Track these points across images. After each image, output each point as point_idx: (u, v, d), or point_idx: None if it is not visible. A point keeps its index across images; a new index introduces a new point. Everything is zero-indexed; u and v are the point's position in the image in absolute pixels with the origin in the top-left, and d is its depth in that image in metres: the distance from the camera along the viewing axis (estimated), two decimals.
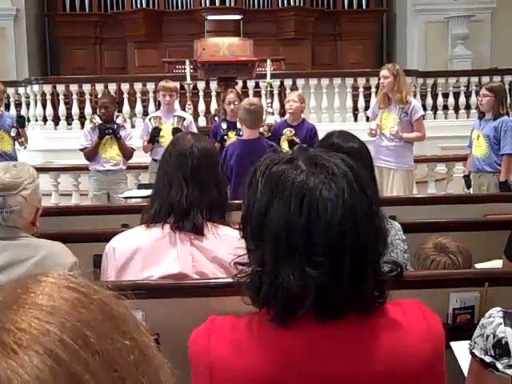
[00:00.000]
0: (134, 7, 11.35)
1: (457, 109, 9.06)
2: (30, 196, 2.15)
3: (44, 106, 8.62)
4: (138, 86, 8.49)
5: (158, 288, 1.89)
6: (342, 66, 11.37)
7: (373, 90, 8.34)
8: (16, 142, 5.81)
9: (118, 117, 5.74)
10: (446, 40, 11.08)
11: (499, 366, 1.36)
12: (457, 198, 4.20)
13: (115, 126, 5.57)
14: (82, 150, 5.67)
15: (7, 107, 7.91)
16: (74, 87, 8.53)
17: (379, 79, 5.36)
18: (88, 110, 8.24)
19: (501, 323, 1.38)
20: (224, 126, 5.41)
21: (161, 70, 9.71)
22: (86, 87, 8.51)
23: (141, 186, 5.45)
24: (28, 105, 8.83)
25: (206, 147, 2.08)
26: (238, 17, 10.03)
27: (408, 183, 5.23)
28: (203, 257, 1.93)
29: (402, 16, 11.78)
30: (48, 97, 8.58)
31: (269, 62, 6.92)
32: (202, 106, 8.28)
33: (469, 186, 5.52)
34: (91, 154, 5.61)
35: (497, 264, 2.40)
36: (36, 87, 8.64)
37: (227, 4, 11.27)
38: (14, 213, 2.11)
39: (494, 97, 5.07)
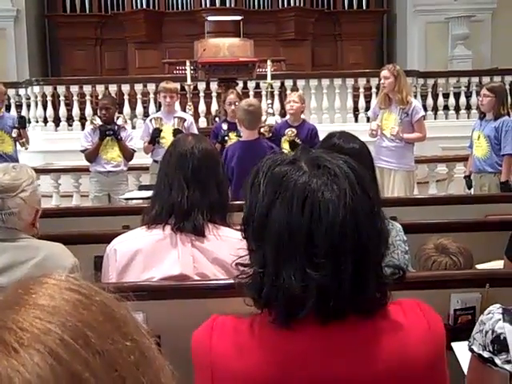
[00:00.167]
0: (135, 8, 11.34)
1: (457, 109, 9.06)
2: (29, 198, 2.14)
3: (44, 108, 8.63)
4: (138, 87, 8.50)
5: (159, 289, 1.89)
6: (342, 67, 11.37)
7: (373, 90, 8.35)
8: (17, 143, 5.82)
9: (118, 118, 5.75)
10: (446, 40, 11.07)
11: (497, 361, 1.37)
12: (458, 198, 4.20)
13: (116, 127, 5.56)
14: (82, 151, 5.66)
15: (8, 108, 7.90)
16: (74, 88, 8.53)
17: (380, 80, 5.36)
18: (88, 111, 8.24)
19: (500, 319, 1.38)
20: (225, 126, 5.41)
21: (161, 71, 9.70)
22: (87, 88, 8.51)
23: (142, 187, 5.45)
24: (28, 106, 8.83)
25: (207, 148, 2.08)
26: (239, 17, 10.03)
27: (409, 184, 5.22)
28: (204, 258, 1.93)
29: (402, 16, 11.78)
30: (49, 98, 8.59)
31: (269, 62, 6.92)
32: (202, 107, 8.28)
33: (470, 187, 5.51)
34: (92, 155, 5.60)
35: (498, 265, 2.40)
36: (36, 88, 8.64)
37: (227, 5, 11.26)
38: (13, 215, 2.11)
39: (494, 97, 5.07)
